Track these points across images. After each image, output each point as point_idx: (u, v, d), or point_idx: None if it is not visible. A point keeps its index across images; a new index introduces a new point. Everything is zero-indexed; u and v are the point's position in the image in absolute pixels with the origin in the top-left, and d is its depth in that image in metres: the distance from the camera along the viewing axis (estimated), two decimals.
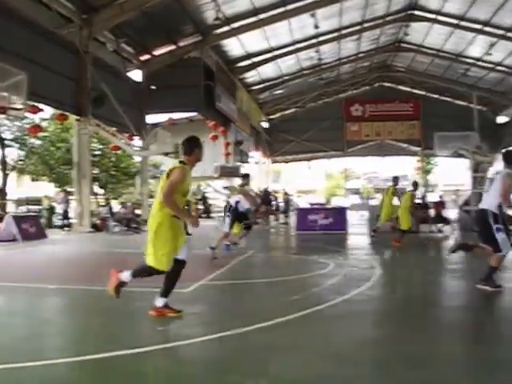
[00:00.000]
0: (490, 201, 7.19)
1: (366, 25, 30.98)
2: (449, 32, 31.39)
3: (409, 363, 4.11)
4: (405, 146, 45.35)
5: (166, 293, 5.68)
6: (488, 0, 25.76)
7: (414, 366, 4.05)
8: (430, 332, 5.16)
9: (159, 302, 5.67)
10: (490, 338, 4.89)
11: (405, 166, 57.63)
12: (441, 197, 20.89)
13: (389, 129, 44.54)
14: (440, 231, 18.43)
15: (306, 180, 62.34)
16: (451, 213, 19.90)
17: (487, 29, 29.22)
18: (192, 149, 5.89)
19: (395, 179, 15.48)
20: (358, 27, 30.95)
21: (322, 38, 30.94)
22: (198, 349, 4.72)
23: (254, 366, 4.22)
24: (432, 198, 28.18)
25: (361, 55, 37.26)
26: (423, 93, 43.77)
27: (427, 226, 18.68)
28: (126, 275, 5.60)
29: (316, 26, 27.69)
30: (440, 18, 29.86)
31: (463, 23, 29.46)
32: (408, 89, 44.12)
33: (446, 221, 18.72)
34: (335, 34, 31.07)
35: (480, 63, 35.32)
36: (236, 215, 11.81)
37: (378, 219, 15.90)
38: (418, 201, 20.39)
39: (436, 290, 7.80)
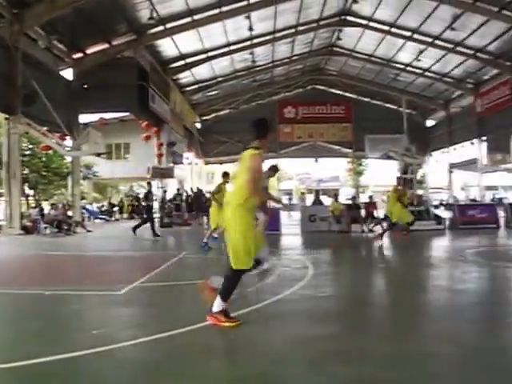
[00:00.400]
0: None
1: (300, 28, 31.22)
2: (380, 38, 32.17)
3: (341, 360, 4.19)
4: (337, 147, 46.03)
5: (224, 295, 5.21)
6: (417, 9, 26.56)
7: (346, 362, 4.13)
8: (362, 330, 5.25)
9: (217, 305, 5.20)
10: (418, 335, 5.04)
11: (337, 168, 58.71)
12: (371, 197, 21.25)
13: (321, 131, 45.07)
14: (371, 231, 18.72)
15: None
16: (382, 213, 20.33)
17: (416, 36, 30.15)
18: (266, 131, 5.61)
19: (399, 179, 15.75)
20: (292, 30, 31.16)
21: (256, 41, 30.97)
22: (131, 351, 4.65)
23: (189, 367, 4.17)
24: (363, 198, 28.64)
25: (294, 58, 37.54)
26: (355, 96, 44.62)
27: (359, 225, 18.96)
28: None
29: (250, 28, 27.68)
30: (372, 24, 30.55)
31: (394, 30, 30.28)
32: (340, 92, 44.89)
33: (376, 220, 19.04)
34: (269, 37, 31.13)
35: (409, 69, 36.44)
36: None
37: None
38: (348, 202, 20.81)
39: (367, 289, 7.89)
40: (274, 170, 13.53)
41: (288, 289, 7.24)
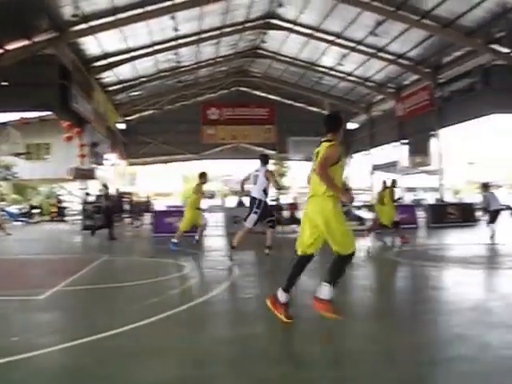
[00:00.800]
0: None
1: (225, 30, 31.14)
2: (304, 41, 32.64)
3: (264, 361, 4.26)
4: (260, 149, 46.20)
5: (333, 280, 5.37)
6: (341, 14, 27.15)
7: (268, 363, 4.20)
8: (285, 330, 5.32)
9: (325, 293, 5.34)
10: (340, 334, 5.20)
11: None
12: (294, 199, 21.52)
13: (244, 132, 45.11)
14: (294, 232, 18.90)
15: (163, 183, 61.79)
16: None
17: (340, 41, 30.82)
18: (339, 125, 5.66)
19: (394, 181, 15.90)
20: (217, 32, 31.02)
21: (181, 41, 30.61)
22: (52, 358, 4.55)
23: (115, 371, 4.15)
24: (286, 200, 28.93)
25: (219, 59, 37.42)
26: (278, 98, 45.04)
27: (281, 227, 19.05)
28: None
29: (175, 29, 27.40)
30: (296, 27, 30.91)
31: (318, 34, 30.78)
32: (264, 94, 45.23)
33: (299, 222, 19.15)
34: (195, 38, 30.86)
35: (333, 72, 37.15)
36: (264, 212, 11.05)
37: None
38: (273, 203, 20.92)
39: (291, 290, 7.96)
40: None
41: (213, 290, 7.32)
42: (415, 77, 33.77)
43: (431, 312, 6.09)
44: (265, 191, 10.69)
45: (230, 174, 65.64)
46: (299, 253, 5.59)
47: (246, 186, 11.82)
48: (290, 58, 36.59)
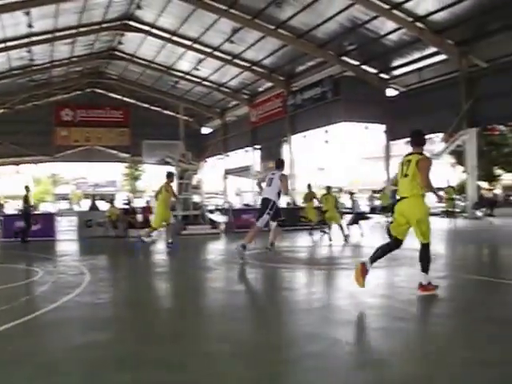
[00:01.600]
0: None
1: (81, 29, 30.76)
2: (161, 45, 33.21)
3: (116, 366, 4.20)
4: (114, 152, 45.87)
5: (427, 269, 6.47)
6: (199, 19, 28.11)
7: (121, 368, 4.13)
8: (138, 335, 5.26)
9: (424, 279, 6.48)
10: (194, 336, 5.17)
11: (114, 172, 58.43)
12: (148, 202, 21.43)
13: (98, 135, 44.51)
14: (149, 236, 18.73)
15: (14, 185, 58.62)
16: None
17: (197, 46, 31.78)
18: (425, 140, 6.81)
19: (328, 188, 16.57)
20: (73, 31, 30.52)
21: (35, 38, 29.70)
22: None
23: None
24: (140, 203, 28.60)
25: (74, 59, 36.74)
26: (134, 101, 45.02)
27: (135, 230, 18.64)
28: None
29: (30, 25, 26.63)
30: (154, 30, 31.44)
31: (175, 38, 31.54)
32: (119, 96, 44.92)
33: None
34: (49, 36, 30.10)
35: (188, 77, 38.09)
36: (276, 213, 11.08)
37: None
38: (125, 206, 20.72)
39: (144, 294, 7.85)
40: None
41: (65, 296, 7.02)
42: (269, 84, 35.62)
43: (285, 312, 6.24)
44: (278, 194, 11.00)
45: (83, 177, 64.12)
46: (394, 237, 6.67)
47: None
48: (147, 61, 36.99)
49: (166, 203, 13.63)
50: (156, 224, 13.78)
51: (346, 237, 14.85)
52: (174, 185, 16.43)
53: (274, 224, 11.31)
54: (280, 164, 11.45)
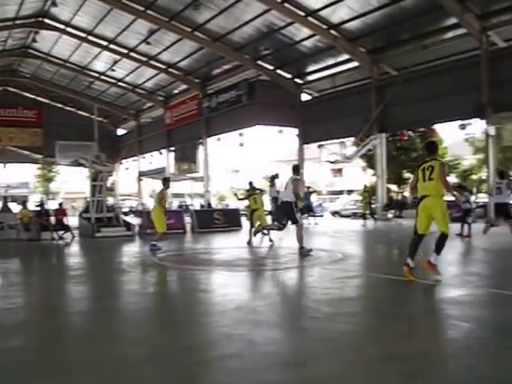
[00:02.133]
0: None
1: None
2: (76, 44, 33.18)
3: (33, 372, 4.13)
4: (27, 153, 44.77)
5: (440, 252, 7.49)
6: (116, 20, 28.40)
7: (38, 374, 4.07)
8: (53, 340, 5.20)
9: (435, 259, 7.49)
10: (109, 339, 5.20)
11: (26, 174, 57.13)
12: (61, 204, 21.01)
13: (11, 135, 43.28)
14: (61, 238, 18.34)
15: None
16: (71, 220, 20.08)
17: (113, 46, 32.05)
18: (438, 149, 8.22)
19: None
20: None
21: None
22: None
23: None
24: (53, 205, 27.97)
25: None
26: (48, 101, 44.09)
27: (49, 233, 18.41)
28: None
29: None
30: (69, 29, 31.33)
31: (91, 38, 31.64)
32: (33, 96, 43.90)
33: (67, 228, 18.74)
34: None
35: (104, 78, 38.15)
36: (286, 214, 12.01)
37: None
38: (38, 208, 20.41)
39: (59, 298, 7.71)
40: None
41: None
42: (184, 86, 36.25)
43: (201, 314, 6.29)
44: (295, 195, 11.85)
45: None
46: (419, 233, 7.66)
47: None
48: (62, 60, 36.74)
49: (164, 208, 13.73)
50: (163, 228, 13.48)
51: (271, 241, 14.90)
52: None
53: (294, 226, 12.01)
54: (296, 170, 12.43)
